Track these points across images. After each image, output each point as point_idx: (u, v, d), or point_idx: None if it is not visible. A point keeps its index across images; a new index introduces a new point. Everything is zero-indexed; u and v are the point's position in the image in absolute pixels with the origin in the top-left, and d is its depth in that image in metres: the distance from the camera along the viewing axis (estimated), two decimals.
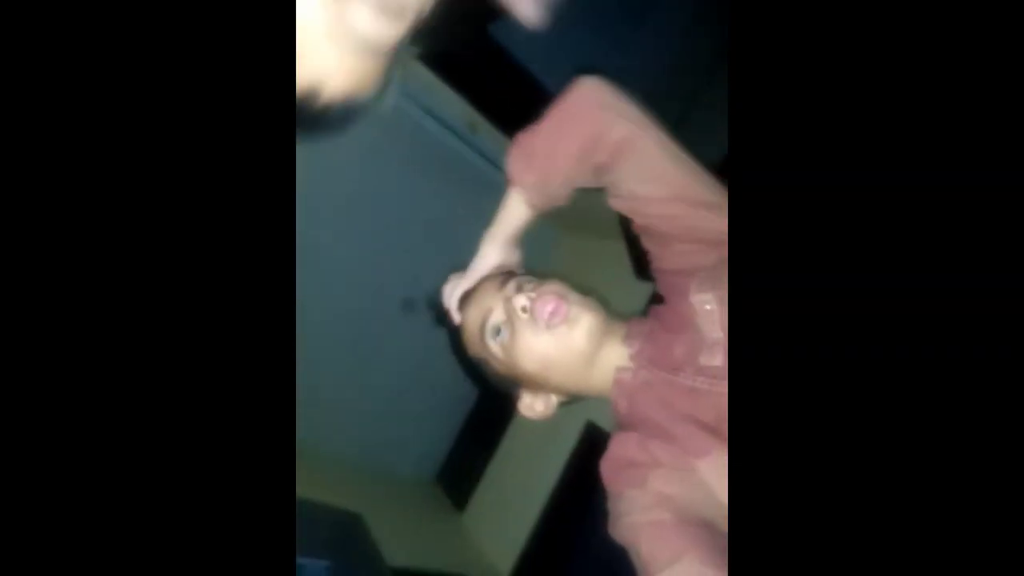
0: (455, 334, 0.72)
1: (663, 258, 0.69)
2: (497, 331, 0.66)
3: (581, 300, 0.65)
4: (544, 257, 2.63)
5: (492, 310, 0.66)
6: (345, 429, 2.32)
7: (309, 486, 2.04)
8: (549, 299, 0.63)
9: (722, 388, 0.56)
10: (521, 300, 0.64)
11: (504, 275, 0.69)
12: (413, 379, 2.36)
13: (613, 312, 0.69)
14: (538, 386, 0.68)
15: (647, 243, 0.71)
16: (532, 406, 0.69)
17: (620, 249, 1.87)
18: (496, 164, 2.15)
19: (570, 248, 2.55)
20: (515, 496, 2.24)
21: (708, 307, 0.61)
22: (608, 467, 0.62)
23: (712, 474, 0.54)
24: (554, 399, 0.69)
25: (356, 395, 2.34)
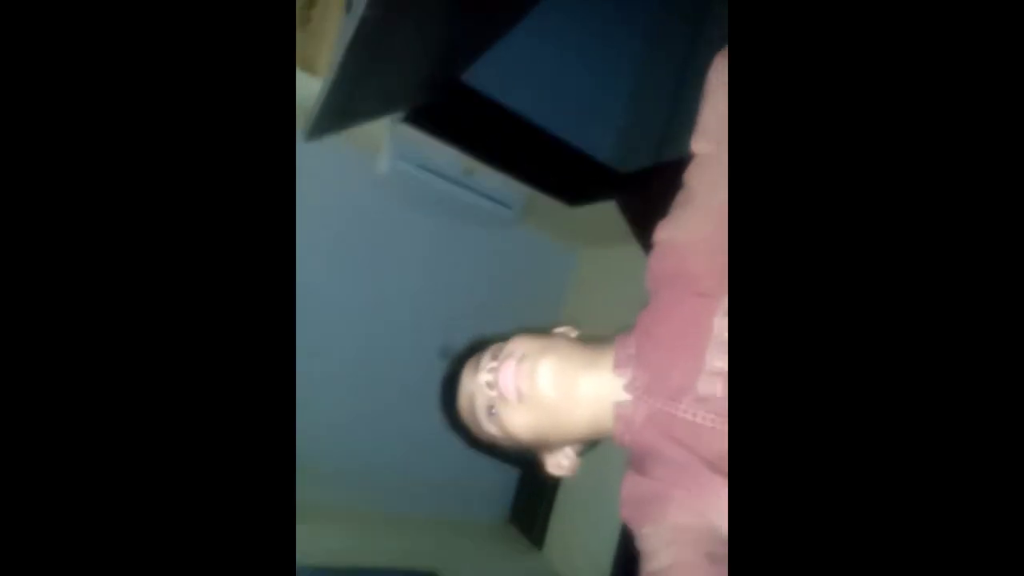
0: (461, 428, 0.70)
1: (685, 273, 0.63)
2: (488, 415, 0.65)
3: (539, 348, 0.62)
4: (568, 272, 2.64)
5: (475, 395, 0.66)
6: (411, 487, 2.32)
7: (385, 552, 2.03)
8: (505, 368, 0.62)
9: (724, 425, 0.53)
10: (484, 378, 0.63)
11: (478, 354, 0.68)
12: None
13: (591, 341, 0.66)
14: (550, 447, 0.67)
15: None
16: (559, 464, 0.68)
17: (637, 252, 1.88)
18: (497, 200, 2.19)
19: (591, 258, 2.56)
20: (590, 523, 2.19)
21: (726, 335, 0.55)
22: (625, 508, 0.60)
23: (720, 517, 0.51)
24: (571, 452, 0.67)
25: (416, 452, 2.36)
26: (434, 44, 1.24)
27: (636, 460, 0.61)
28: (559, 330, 0.70)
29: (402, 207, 2.28)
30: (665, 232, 0.63)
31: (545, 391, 0.60)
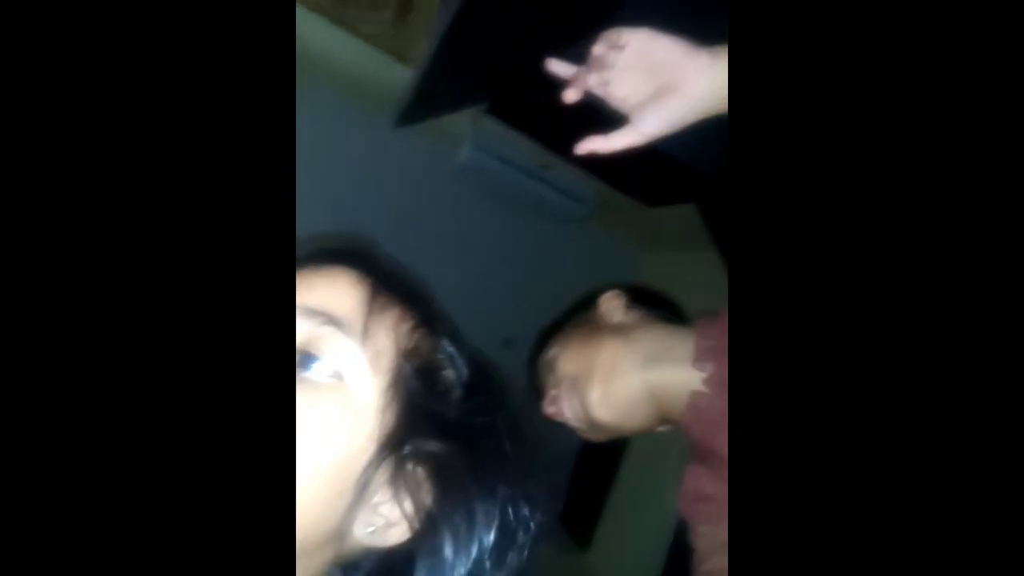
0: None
1: None
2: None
3: (586, 372, 0.61)
4: (635, 273, 2.60)
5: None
6: None
7: None
8: (563, 401, 0.62)
9: None
10: (549, 410, 0.64)
11: (540, 354, 0.68)
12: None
13: (658, 324, 0.63)
14: (638, 430, 0.64)
15: None
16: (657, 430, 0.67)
17: (711, 258, 1.81)
18: (571, 195, 2.18)
19: (658, 262, 2.50)
20: (640, 527, 2.15)
21: None
22: (684, 500, 0.59)
23: None
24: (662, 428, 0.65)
25: None
26: (521, 37, 1.26)
27: (701, 452, 0.59)
28: (605, 299, 0.67)
29: (478, 197, 2.32)
30: None
31: (604, 417, 0.60)
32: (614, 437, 0.64)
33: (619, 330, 0.63)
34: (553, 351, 0.66)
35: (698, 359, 0.58)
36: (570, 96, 0.48)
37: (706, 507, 0.55)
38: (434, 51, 1.27)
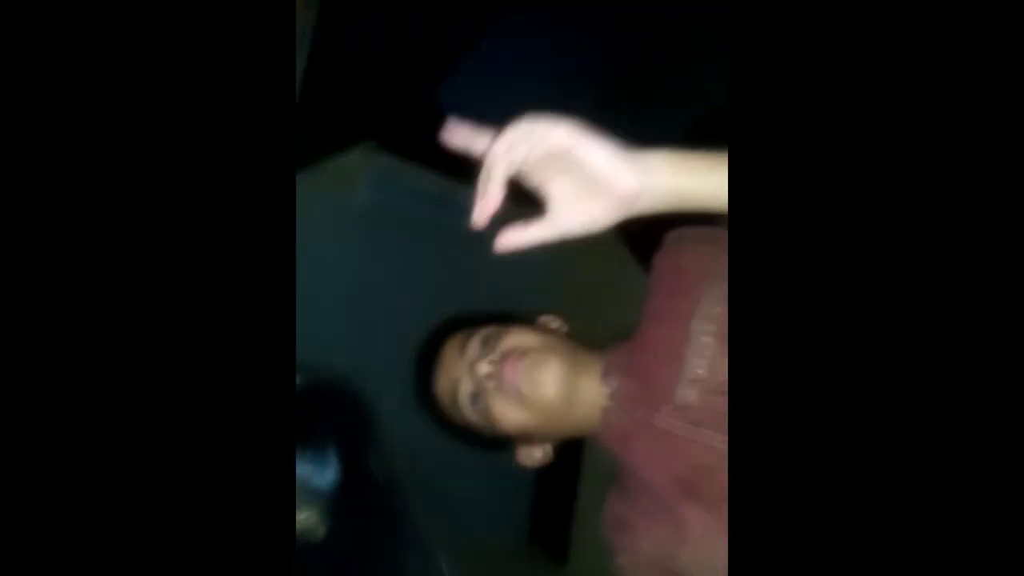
0: (434, 408, 0.69)
1: (675, 257, 0.62)
2: (471, 402, 0.63)
3: (544, 348, 0.61)
4: (560, 281, 2.64)
5: (460, 380, 0.64)
6: (422, 521, 2.27)
7: None
8: (510, 362, 0.60)
9: (696, 436, 0.52)
10: (483, 368, 0.61)
11: (463, 334, 0.66)
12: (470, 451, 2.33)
13: (587, 343, 0.66)
14: (530, 440, 0.66)
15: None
16: (531, 455, 0.68)
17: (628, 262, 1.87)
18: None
19: (584, 266, 2.56)
20: None
21: (705, 339, 0.54)
22: (606, 527, 0.59)
23: (687, 551, 0.50)
24: (549, 447, 0.67)
25: (428, 487, 2.32)
26: (388, 70, 1.25)
27: (621, 475, 0.61)
28: (544, 319, 0.70)
29: (387, 236, 2.27)
30: (674, 232, 0.63)
31: (548, 395, 0.59)
32: (526, 428, 0.62)
33: (560, 335, 0.68)
34: (494, 328, 0.64)
35: (606, 374, 0.61)
36: (481, 207, 0.46)
37: (621, 535, 0.56)
38: (300, 92, 1.23)
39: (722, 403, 0.50)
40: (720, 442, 0.49)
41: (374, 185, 1.99)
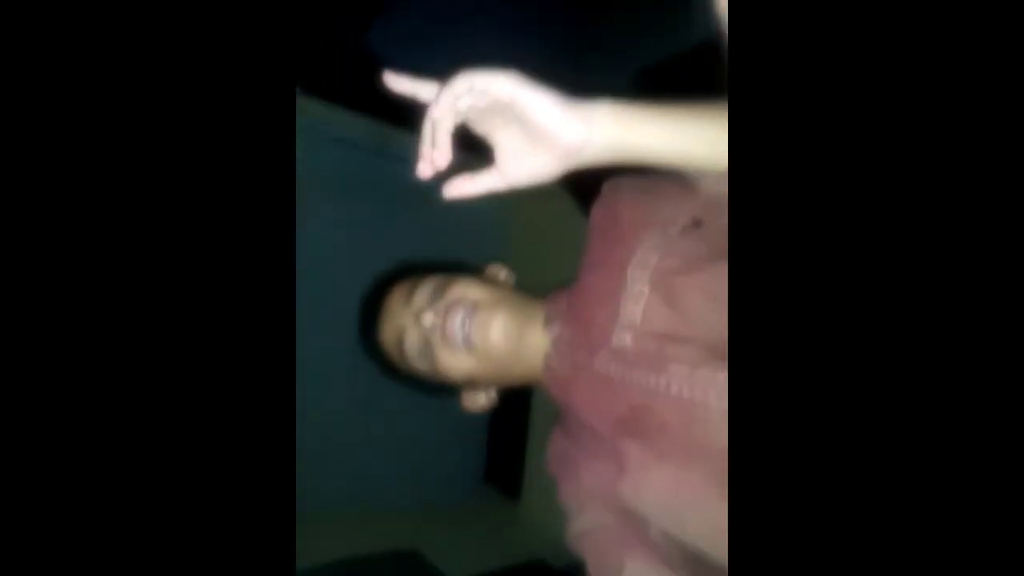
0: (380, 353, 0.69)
1: (612, 207, 0.62)
2: (418, 352, 0.63)
3: (490, 299, 0.62)
4: (507, 231, 2.63)
5: (405, 329, 0.64)
6: (386, 472, 2.31)
7: (361, 542, 2.03)
8: (456, 313, 0.60)
9: (632, 378, 0.53)
10: (429, 319, 0.61)
11: (410, 283, 0.66)
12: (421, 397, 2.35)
13: (528, 294, 0.67)
14: (474, 386, 0.67)
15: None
16: (476, 401, 0.69)
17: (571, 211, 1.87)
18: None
19: (531, 216, 2.55)
20: None
21: (639, 287, 0.54)
22: (551, 464, 0.62)
23: (626, 486, 0.51)
24: (493, 392, 0.69)
25: (386, 435, 2.33)
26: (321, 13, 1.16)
27: (563, 415, 0.63)
28: (491, 269, 0.70)
29: (322, 186, 2.16)
30: (611, 182, 0.63)
31: (496, 345, 0.60)
32: (472, 377, 0.63)
33: (508, 287, 0.68)
34: (441, 278, 0.64)
35: (548, 322, 0.62)
36: (429, 159, 0.44)
37: (564, 469, 0.59)
38: None
39: (656, 346, 0.52)
40: (653, 381, 0.51)
41: (304, 132, 1.87)
